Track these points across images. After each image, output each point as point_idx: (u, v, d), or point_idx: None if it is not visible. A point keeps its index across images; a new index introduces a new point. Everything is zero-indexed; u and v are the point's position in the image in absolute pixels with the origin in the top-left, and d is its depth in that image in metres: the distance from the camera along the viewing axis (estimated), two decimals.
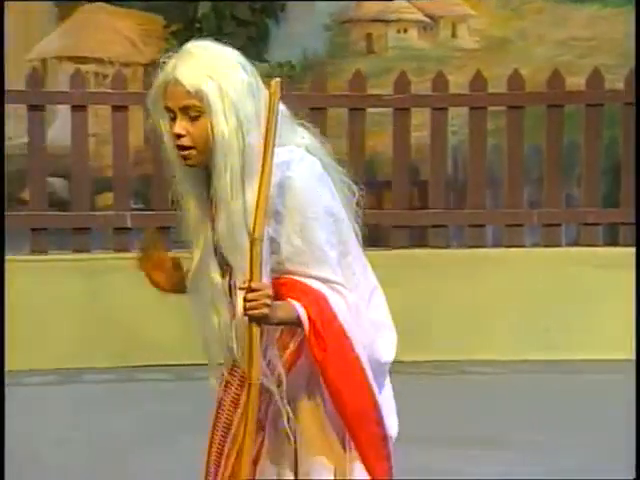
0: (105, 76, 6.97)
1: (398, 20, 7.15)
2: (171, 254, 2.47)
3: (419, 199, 6.64)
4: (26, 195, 6.19)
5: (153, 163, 6.17)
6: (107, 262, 5.91)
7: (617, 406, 4.79)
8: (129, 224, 6.00)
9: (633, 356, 5.31)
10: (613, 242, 6.22)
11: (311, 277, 2.22)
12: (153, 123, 2.26)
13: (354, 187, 2.41)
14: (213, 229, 2.26)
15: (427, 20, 7.16)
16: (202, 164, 2.22)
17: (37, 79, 6.10)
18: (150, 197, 6.23)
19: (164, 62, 2.22)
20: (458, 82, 6.33)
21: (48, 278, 5.83)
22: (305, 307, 2.18)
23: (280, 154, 2.21)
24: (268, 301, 2.13)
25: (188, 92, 2.17)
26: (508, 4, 7.13)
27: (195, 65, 2.18)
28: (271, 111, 2.14)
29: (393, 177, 6.22)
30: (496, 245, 6.25)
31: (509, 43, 7.11)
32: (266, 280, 2.17)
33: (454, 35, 7.18)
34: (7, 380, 5.46)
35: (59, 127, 6.51)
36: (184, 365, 5.58)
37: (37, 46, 7.07)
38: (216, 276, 2.29)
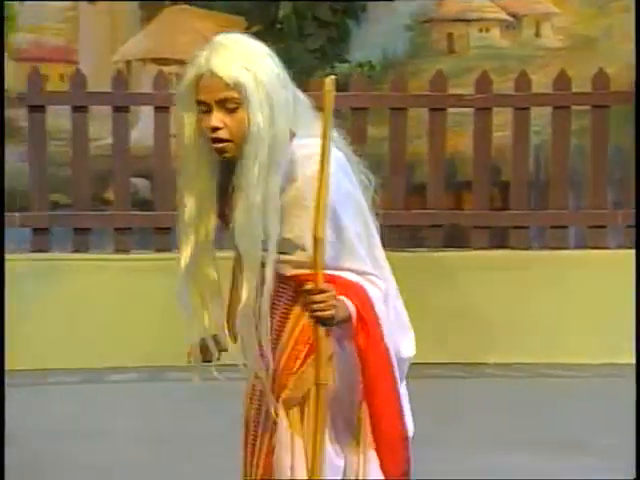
0: None
1: (480, 19, 7.08)
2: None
3: (500, 200, 6.57)
4: (110, 195, 6.28)
5: None
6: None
7: None
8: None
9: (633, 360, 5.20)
10: None
11: (344, 269, 2.21)
12: (175, 115, 2.26)
13: (371, 177, 2.37)
14: (221, 223, 2.27)
15: (510, 19, 7.08)
16: (236, 156, 2.20)
17: (121, 81, 6.19)
18: None
19: (195, 56, 2.19)
20: (541, 81, 6.25)
21: (130, 277, 5.91)
22: (352, 302, 2.18)
23: (309, 146, 2.21)
24: (335, 302, 2.13)
25: (226, 84, 2.15)
26: (594, 1, 7.01)
27: (231, 57, 2.17)
28: (327, 108, 2.12)
29: (474, 177, 6.17)
30: (579, 247, 6.15)
31: (594, 41, 6.99)
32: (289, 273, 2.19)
33: (537, 34, 7.08)
34: (93, 377, 5.58)
35: (142, 128, 6.59)
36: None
37: (122, 48, 7.18)
38: (211, 272, 2.33)
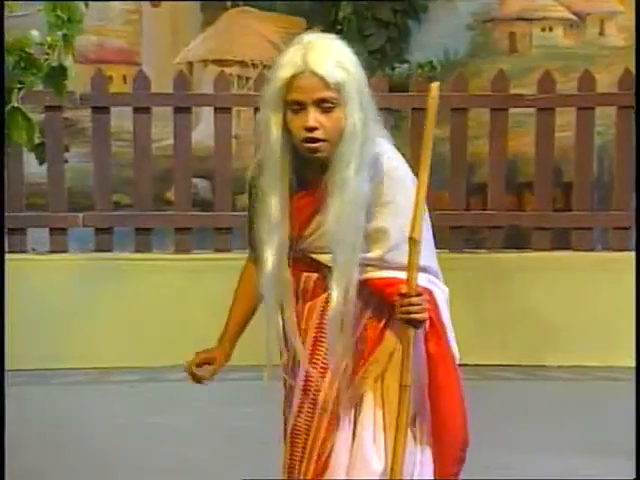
0: (248, 78, 7.07)
1: (543, 18, 6.99)
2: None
3: (562, 201, 6.49)
4: (171, 195, 6.32)
5: None
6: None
7: None
8: None
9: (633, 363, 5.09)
10: None
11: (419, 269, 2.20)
12: (263, 114, 2.23)
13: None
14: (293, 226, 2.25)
15: (573, 18, 6.98)
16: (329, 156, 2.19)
17: (183, 82, 6.23)
18: None
19: (287, 56, 2.20)
20: (606, 81, 6.16)
21: (191, 277, 5.94)
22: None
23: (380, 143, 2.24)
24: (427, 305, 2.15)
25: (326, 84, 2.15)
26: None
27: (329, 57, 2.17)
28: (430, 113, 2.14)
29: (535, 178, 6.10)
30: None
31: None
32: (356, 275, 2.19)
33: (602, 33, 6.98)
34: (152, 375, 5.61)
35: (203, 129, 6.62)
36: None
37: (183, 50, 7.22)
38: (288, 274, 2.29)
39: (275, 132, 2.20)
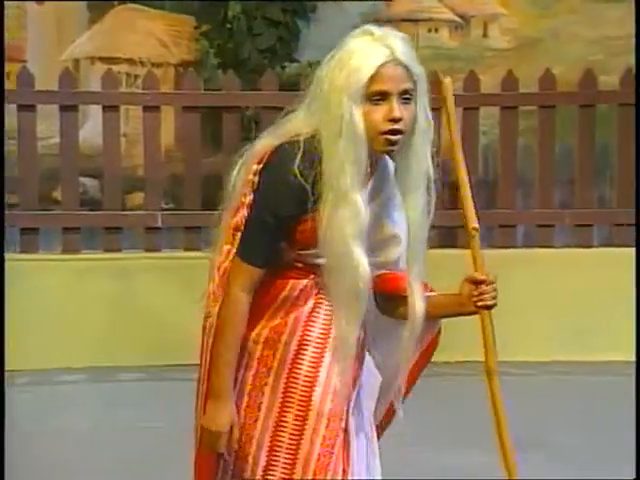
0: (136, 76, 6.97)
1: (429, 19, 7.09)
2: None
3: (448, 200, 6.58)
4: (58, 194, 6.19)
5: (184, 163, 6.16)
6: (138, 261, 5.91)
7: None
8: (160, 224, 5.99)
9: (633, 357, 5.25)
10: None
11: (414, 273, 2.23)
12: (345, 106, 2.07)
13: None
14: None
15: (458, 19, 7.10)
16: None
17: (69, 80, 6.11)
18: (181, 197, 6.22)
19: (368, 46, 2.09)
20: (489, 82, 6.27)
21: (79, 277, 5.84)
22: None
23: None
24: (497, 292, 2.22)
25: (410, 75, 2.10)
26: (540, 3, 7.06)
27: (409, 49, 2.12)
28: (452, 109, 2.19)
29: None
30: (527, 245, 6.19)
31: (541, 42, 7.04)
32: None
33: (485, 34, 7.12)
34: (38, 378, 5.49)
35: (91, 127, 6.51)
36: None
37: (69, 47, 7.08)
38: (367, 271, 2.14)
39: (361, 125, 2.07)
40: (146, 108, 6.02)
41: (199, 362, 2.28)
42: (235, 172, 2.30)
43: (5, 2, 6.86)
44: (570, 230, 6.16)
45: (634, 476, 2.95)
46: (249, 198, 2.20)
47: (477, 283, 2.19)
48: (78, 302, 5.76)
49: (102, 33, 7.10)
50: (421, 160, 2.16)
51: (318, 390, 2.13)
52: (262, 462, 2.14)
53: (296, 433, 2.12)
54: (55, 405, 5.09)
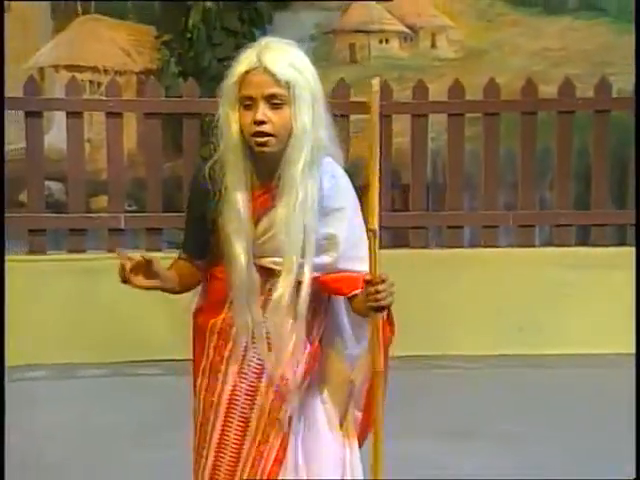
0: (100, 84, 6.96)
1: (380, 31, 7.15)
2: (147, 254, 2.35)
3: (400, 202, 6.64)
4: (24, 197, 6.17)
5: (145, 167, 6.17)
6: (101, 262, 5.90)
7: (586, 398, 4.83)
8: (123, 225, 5.99)
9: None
10: (584, 243, 6.25)
11: (358, 272, 2.22)
12: (222, 112, 2.19)
13: None
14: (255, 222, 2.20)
15: (408, 31, 7.17)
16: (275, 152, 2.17)
17: (34, 87, 6.08)
18: (143, 199, 6.22)
19: (243, 54, 2.18)
20: (437, 90, 6.34)
21: (45, 277, 5.82)
22: None
23: (330, 163, 2.27)
24: (394, 289, 2.15)
25: (277, 81, 2.14)
26: (484, 16, 7.15)
27: (282, 57, 2.16)
28: (374, 108, 2.17)
29: None
30: (473, 245, 6.27)
31: (485, 53, 7.13)
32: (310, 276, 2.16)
33: (433, 45, 7.19)
34: (6, 376, 5.46)
35: (56, 133, 6.48)
36: (174, 360, 5.57)
37: (34, 55, 7.04)
38: (255, 273, 2.21)
39: (235, 127, 2.17)
40: (109, 114, 6.02)
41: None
42: None
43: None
44: (513, 230, 6.24)
45: (634, 476, 2.95)
46: None
47: (368, 283, 2.14)
48: (44, 301, 5.75)
49: (66, 42, 7.08)
50: (294, 162, 2.16)
51: (264, 382, 2.22)
52: (214, 442, 2.25)
53: (243, 421, 2.22)
54: (20, 400, 5.07)
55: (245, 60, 2.16)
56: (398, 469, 3.81)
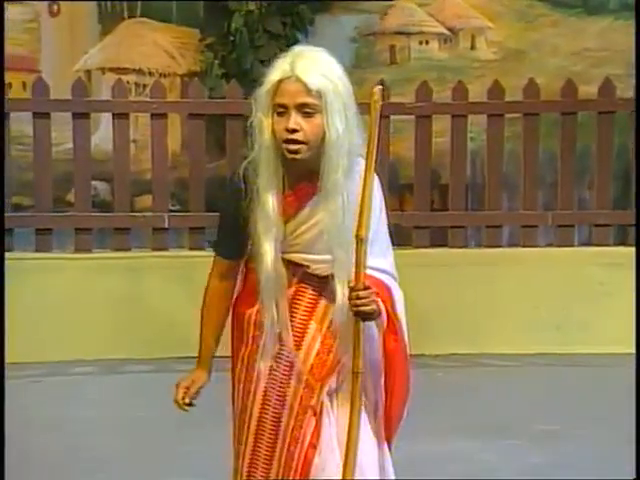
0: (145, 86, 7.01)
1: (420, 32, 7.13)
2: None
3: (439, 201, 6.62)
4: (71, 197, 6.23)
5: (189, 167, 6.21)
6: (146, 260, 5.95)
7: (622, 397, 4.78)
8: (167, 225, 6.03)
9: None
10: (623, 242, 6.18)
11: (373, 268, 2.24)
12: (255, 117, 2.23)
13: None
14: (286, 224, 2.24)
15: (447, 32, 7.14)
16: (307, 159, 2.21)
17: (82, 89, 6.15)
18: (186, 199, 6.26)
19: (276, 63, 2.22)
20: (477, 91, 6.31)
21: (90, 275, 5.88)
22: (383, 301, 2.23)
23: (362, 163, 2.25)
24: (375, 297, 2.18)
25: (309, 90, 2.18)
26: (524, 17, 7.10)
27: (315, 66, 2.20)
28: (374, 117, 2.17)
29: (415, 180, 6.22)
30: (512, 245, 6.23)
31: (525, 54, 7.08)
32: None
33: (473, 47, 7.16)
34: (53, 370, 5.53)
35: (102, 134, 6.55)
36: (216, 357, 5.60)
37: (82, 58, 7.12)
38: (283, 270, 2.27)
39: (267, 133, 2.21)
40: (154, 115, 6.06)
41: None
42: None
43: (21, 15, 6.93)
44: (552, 230, 6.20)
45: (634, 476, 2.93)
46: None
47: (351, 289, 2.17)
48: (89, 298, 5.80)
49: (112, 45, 7.14)
50: (334, 169, 2.19)
51: (294, 372, 2.29)
52: (252, 429, 2.32)
53: (277, 408, 2.29)
54: (68, 395, 5.13)
55: (278, 69, 2.21)
56: (433, 466, 3.83)
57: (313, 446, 2.27)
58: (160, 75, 7.02)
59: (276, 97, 2.20)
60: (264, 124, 2.22)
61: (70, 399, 5.03)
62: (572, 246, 6.14)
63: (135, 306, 5.80)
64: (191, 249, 6.00)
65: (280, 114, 2.20)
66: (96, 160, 6.18)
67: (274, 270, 2.24)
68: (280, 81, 2.19)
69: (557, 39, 7.04)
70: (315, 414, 2.27)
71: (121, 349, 5.75)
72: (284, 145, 2.20)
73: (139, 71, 7.11)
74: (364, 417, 2.28)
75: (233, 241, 2.32)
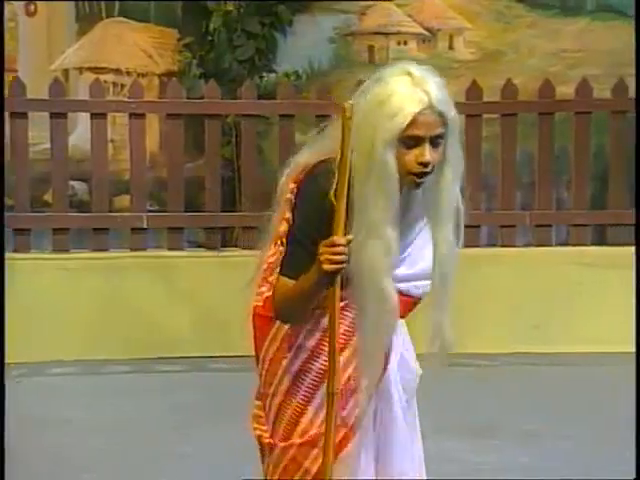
0: (123, 86, 6.97)
1: (398, 33, 7.14)
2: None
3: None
4: (49, 197, 6.19)
5: (167, 167, 6.18)
6: (124, 260, 5.92)
7: (599, 396, 4.81)
8: (145, 225, 6.01)
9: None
10: (600, 242, 6.22)
11: None
12: (378, 147, 2.04)
13: None
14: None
15: (426, 33, 7.15)
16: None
17: (59, 88, 6.11)
18: (165, 199, 6.24)
19: (406, 91, 2.05)
20: (455, 91, 6.30)
21: (68, 275, 5.84)
22: None
23: None
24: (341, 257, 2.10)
25: (442, 120, 2.07)
26: (502, 18, 7.12)
27: (443, 94, 2.08)
28: (346, 134, 2.02)
29: None
30: (490, 245, 6.25)
31: (503, 54, 7.10)
32: None
33: (451, 47, 7.17)
34: (32, 371, 5.50)
35: (80, 134, 6.51)
36: (196, 357, 5.58)
37: (59, 58, 7.07)
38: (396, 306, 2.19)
39: (393, 168, 2.05)
40: (132, 115, 6.03)
41: (254, 353, 2.30)
42: (282, 181, 2.26)
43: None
44: (530, 230, 6.22)
45: (634, 476, 2.93)
46: (289, 215, 2.19)
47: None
48: (68, 299, 5.77)
49: (90, 44, 7.10)
50: (451, 195, 2.15)
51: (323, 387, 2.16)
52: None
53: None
54: (47, 396, 5.10)
55: (414, 99, 2.04)
56: None
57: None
58: (138, 75, 6.98)
59: (410, 129, 2.04)
60: (388, 157, 2.03)
61: (49, 400, 5.00)
62: (550, 246, 6.16)
63: (114, 307, 5.77)
64: (170, 249, 5.98)
65: (410, 146, 2.05)
66: (74, 160, 6.15)
67: (396, 308, 2.15)
68: (419, 112, 2.03)
69: (535, 40, 7.06)
70: (347, 426, 2.21)
71: (100, 350, 5.72)
72: (411, 177, 2.08)
73: (117, 71, 7.07)
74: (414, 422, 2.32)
75: (309, 259, 2.09)
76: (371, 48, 7.15)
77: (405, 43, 7.16)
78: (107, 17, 7.11)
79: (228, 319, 5.78)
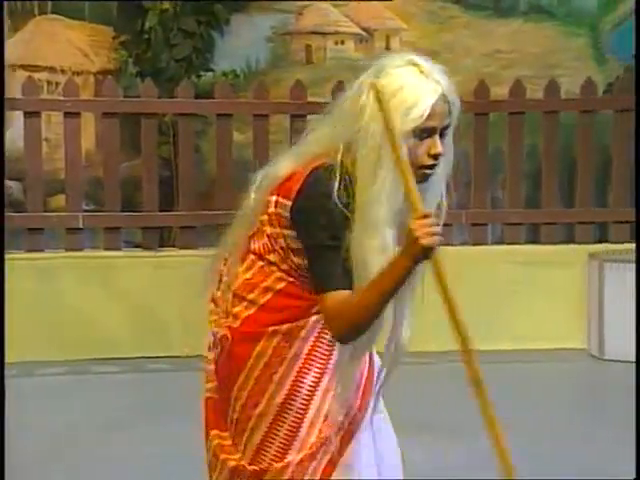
0: (57, 84, 6.89)
1: (335, 32, 7.17)
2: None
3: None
4: None
5: (104, 166, 6.13)
6: (60, 261, 5.86)
7: (532, 392, 4.89)
8: (81, 225, 5.95)
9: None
10: (534, 240, 6.32)
11: None
12: (392, 142, 1.92)
13: None
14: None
15: (363, 33, 7.20)
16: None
17: None
18: (101, 199, 6.18)
19: (419, 82, 1.97)
20: None
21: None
22: None
23: None
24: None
25: (450, 110, 2.00)
26: (437, 18, 7.19)
27: (449, 82, 2.02)
28: (386, 106, 1.99)
29: None
30: None
31: (438, 55, 7.16)
32: None
33: (388, 47, 7.23)
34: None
35: (14, 132, 6.42)
36: (133, 358, 5.55)
37: None
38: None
39: (407, 162, 1.94)
40: (67, 114, 5.97)
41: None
42: (252, 193, 2.16)
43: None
44: (466, 229, 6.29)
45: (634, 476, 2.93)
46: (273, 231, 2.08)
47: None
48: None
49: (23, 42, 7.00)
50: (437, 184, 2.07)
51: (318, 394, 2.14)
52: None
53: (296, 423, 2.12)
54: None
55: (429, 89, 1.97)
56: None
57: (333, 465, 2.19)
58: (73, 73, 6.91)
59: (426, 121, 1.96)
60: (397, 149, 1.92)
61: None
62: (485, 244, 6.25)
63: (49, 308, 5.71)
64: (106, 249, 5.93)
65: (422, 137, 1.97)
66: (8, 159, 6.05)
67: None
68: (435, 103, 1.96)
69: (469, 40, 7.15)
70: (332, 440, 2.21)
71: (35, 351, 5.65)
72: (423, 170, 1.99)
73: (51, 69, 6.98)
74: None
75: (346, 269, 1.99)
76: (309, 48, 7.17)
77: (342, 43, 7.20)
78: (40, 14, 7.02)
79: (166, 319, 5.76)
